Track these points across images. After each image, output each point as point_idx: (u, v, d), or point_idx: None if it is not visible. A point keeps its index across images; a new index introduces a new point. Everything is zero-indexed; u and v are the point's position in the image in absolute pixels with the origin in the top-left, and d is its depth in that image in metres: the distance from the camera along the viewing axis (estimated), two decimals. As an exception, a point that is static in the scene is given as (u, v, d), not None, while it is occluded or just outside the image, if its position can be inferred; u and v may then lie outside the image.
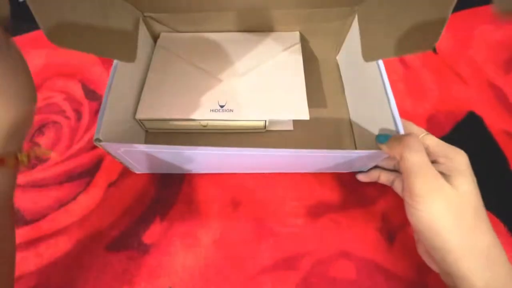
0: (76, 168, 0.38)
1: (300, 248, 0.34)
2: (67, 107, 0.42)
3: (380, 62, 0.33)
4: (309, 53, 0.44)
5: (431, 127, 0.41)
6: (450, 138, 0.40)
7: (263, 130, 0.38)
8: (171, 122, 0.36)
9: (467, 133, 0.41)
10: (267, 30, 0.41)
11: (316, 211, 0.36)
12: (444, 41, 0.49)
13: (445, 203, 0.24)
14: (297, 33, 0.41)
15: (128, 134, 0.34)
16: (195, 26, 0.41)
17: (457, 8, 0.53)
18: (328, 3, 0.37)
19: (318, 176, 0.38)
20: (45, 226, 0.34)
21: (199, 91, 0.36)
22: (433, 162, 0.27)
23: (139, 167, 0.36)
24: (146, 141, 0.38)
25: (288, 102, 0.35)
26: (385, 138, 0.29)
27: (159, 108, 0.35)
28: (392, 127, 0.30)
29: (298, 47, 0.40)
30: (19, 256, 0.33)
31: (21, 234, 0.34)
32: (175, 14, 0.38)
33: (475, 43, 0.49)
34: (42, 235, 0.34)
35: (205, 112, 0.35)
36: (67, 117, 0.41)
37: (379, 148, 0.30)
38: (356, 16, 0.37)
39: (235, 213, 0.35)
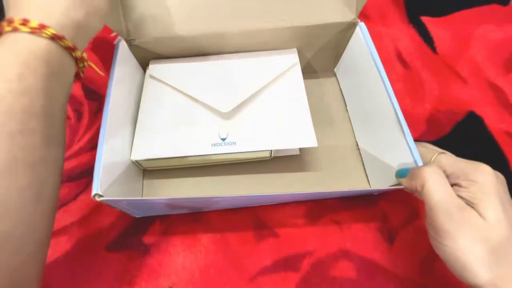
0: (76, 168, 0.38)
1: (300, 248, 0.34)
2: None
3: (383, 72, 0.33)
4: (306, 65, 0.43)
5: (431, 127, 0.41)
6: (450, 138, 0.41)
7: (268, 158, 0.37)
8: (170, 160, 0.34)
9: (467, 133, 0.41)
10: (263, 49, 0.39)
11: (316, 211, 0.36)
12: (444, 41, 0.49)
13: (472, 237, 0.22)
14: (295, 50, 0.39)
15: (125, 175, 0.32)
16: (185, 49, 0.38)
17: (457, 8, 0.54)
18: (326, 18, 0.35)
19: (318, 176, 0.38)
20: (45, 226, 0.34)
21: (197, 124, 0.34)
22: (454, 185, 0.25)
23: (140, 213, 0.34)
24: (144, 179, 0.36)
25: (293, 130, 0.34)
26: (404, 172, 0.27)
27: (155, 146, 0.33)
28: (408, 155, 0.29)
29: (297, 67, 0.38)
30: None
31: (21, 234, 0.34)
32: (163, 38, 0.36)
33: (475, 43, 0.49)
34: (42, 235, 0.34)
35: (206, 147, 0.32)
36: (67, 117, 0.41)
37: (398, 182, 0.29)
38: (358, 28, 0.36)
39: (235, 213, 0.35)
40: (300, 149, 0.38)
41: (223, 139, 0.33)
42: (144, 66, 0.39)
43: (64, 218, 0.35)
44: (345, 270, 0.32)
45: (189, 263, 0.33)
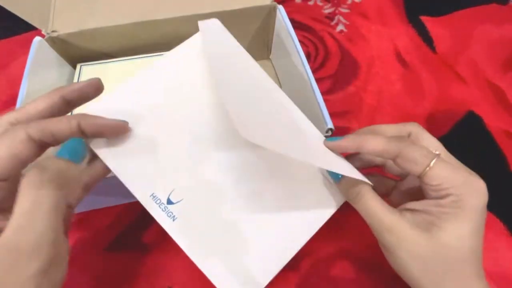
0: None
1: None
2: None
3: (304, 60, 0.33)
4: None
5: (430, 126, 0.41)
6: (449, 138, 0.41)
7: None
8: None
9: (466, 133, 0.41)
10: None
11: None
12: (443, 40, 0.49)
13: (411, 255, 0.22)
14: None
15: None
16: (115, 42, 0.36)
17: (456, 8, 0.54)
18: (246, 2, 0.36)
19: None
20: (44, 226, 0.34)
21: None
22: (444, 195, 0.21)
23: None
24: None
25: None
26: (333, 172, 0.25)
27: None
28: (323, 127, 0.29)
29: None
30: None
31: (20, 234, 0.34)
32: (90, 30, 0.34)
33: (474, 42, 0.49)
34: (41, 236, 0.34)
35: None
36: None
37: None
38: (277, 14, 0.37)
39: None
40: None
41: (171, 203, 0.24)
42: (73, 64, 0.38)
43: (63, 218, 0.35)
44: (344, 270, 0.32)
45: (188, 263, 0.32)
